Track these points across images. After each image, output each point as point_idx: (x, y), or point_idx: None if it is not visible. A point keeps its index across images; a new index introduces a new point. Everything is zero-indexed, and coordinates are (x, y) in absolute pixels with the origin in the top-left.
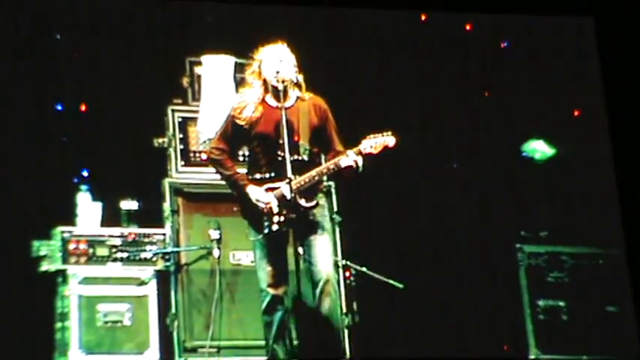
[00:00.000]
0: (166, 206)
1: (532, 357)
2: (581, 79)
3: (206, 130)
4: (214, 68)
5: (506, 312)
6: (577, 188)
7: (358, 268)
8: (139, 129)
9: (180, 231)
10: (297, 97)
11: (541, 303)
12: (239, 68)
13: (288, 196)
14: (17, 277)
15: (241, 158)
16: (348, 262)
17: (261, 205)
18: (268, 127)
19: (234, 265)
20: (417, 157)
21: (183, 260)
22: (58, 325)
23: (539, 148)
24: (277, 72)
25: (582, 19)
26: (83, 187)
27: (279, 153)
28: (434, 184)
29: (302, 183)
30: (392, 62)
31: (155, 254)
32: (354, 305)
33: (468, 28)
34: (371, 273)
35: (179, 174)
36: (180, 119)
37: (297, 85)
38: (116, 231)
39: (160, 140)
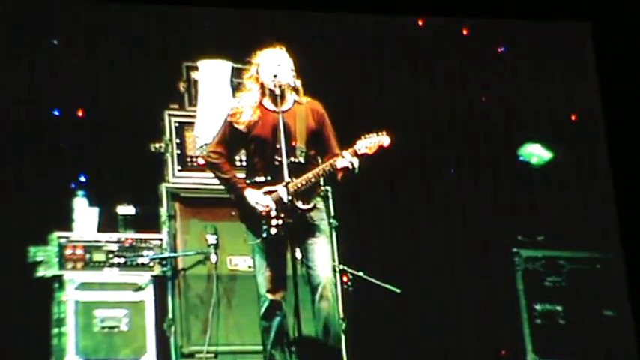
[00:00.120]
0: (163, 211)
1: None
2: (579, 84)
3: (203, 135)
4: (211, 73)
5: (504, 316)
6: (574, 192)
7: (355, 272)
8: (135, 134)
9: (177, 236)
10: (295, 101)
11: (538, 307)
12: (236, 73)
13: (285, 199)
14: (14, 283)
15: (238, 163)
16: (345, 267)
17: (259, 209)
18: (265, 131)
19: (231, 270)
20: (414, 162)
21: (180, 265)
22: (55, 330)
23: (535, 153)
24: (275, 76)
25: (579, 24)
26: (80, 192)
27: (276, 157)
28: (431, 188)
29: (299, 185)
30: (389, 67)
31: (152, 259)
32: (352, 310)
33: (464, 32)
34: (368, 278)
35: (176, 179)
36: (177, 124)
37: (295, 89)
38: (113, 236)
39: (157, 145)
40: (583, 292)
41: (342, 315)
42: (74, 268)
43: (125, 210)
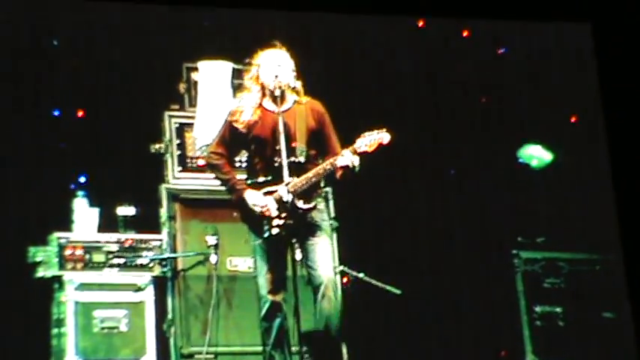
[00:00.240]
0: (163, 212)
1: None
2: (578, 85)
3: (203, 136)
4: (211, 74)
5: (503, 318)
6: (574, 194)
7: (355, 274)
8: (135, 135)
9: (177, 237)
10: (295, 101)
11: (538, 309)
12: (236, 74)
13: (286, 199)
14: (13, 283)
15: (238, 164)
16: (346, 269)
17: (260, 209)
18: (266, 131)
19: (231, 271)
20: (414, 163)
21: (180, 266)
22: (55, 331)
23: (535, 154)
24: (275, 76)
25: (579, 25)
26: (80, 192)
27: (276, 158)
28: (431, 190)
29: (299, 185)
30: (389, 69)
31: (152, 260)
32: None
33: (465, 34)
34: (368, 279)
35: (176, 180)
36: (177, 125)
37: (295, 90)
38: (113, 237)
39: (157, 146)
40: (583, 293)
41: (343, 315)
42: (74, 268)
43: (125, 211)
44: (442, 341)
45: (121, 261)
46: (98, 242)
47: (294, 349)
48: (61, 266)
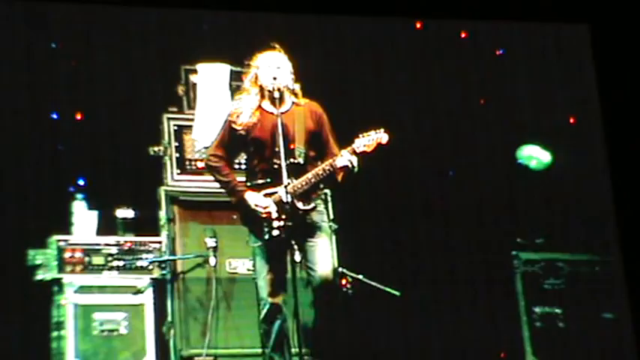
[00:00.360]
0: (162, 214)
1: None
2: (577, 87)
3: (202, 138)
4: (210, 76)
5: (503, 319)
6: (573, 195)
7: (355, 275)
8: (134, 137)
9: (176, 239)
10: (293, 103)
11: (537, 310)
12: (235, 76)
13: (286, 200)
14: (13, 286)
15: (237, 166)
16: (345, 270)
17: (260, 211)
18: (264, 133)
19: (230, 273)
20: (413, 164)
21: (179, 268)
22: (54, 334)
23: (535, 155)
24: (274, 78)
25: (577, 26)
26: (79, 195)
27: (274, 161)
28: (430, 191)
29: (299, 186)
30: (387, 71)
31: (151, 263)
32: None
33: (463, 35)
34: (367, 281)
35: (175, 182)
36: (175, 127)
37: (293, 92)
38: (112, 239)
39: (156, 148)
40: (582, 294)
41: (342, 315)
42: (73, 271)
43: (124, 213)
44: (442, 342)
45: (121, 263)
46: (97, 245)
47: (293, 351)
48: (61, 269)
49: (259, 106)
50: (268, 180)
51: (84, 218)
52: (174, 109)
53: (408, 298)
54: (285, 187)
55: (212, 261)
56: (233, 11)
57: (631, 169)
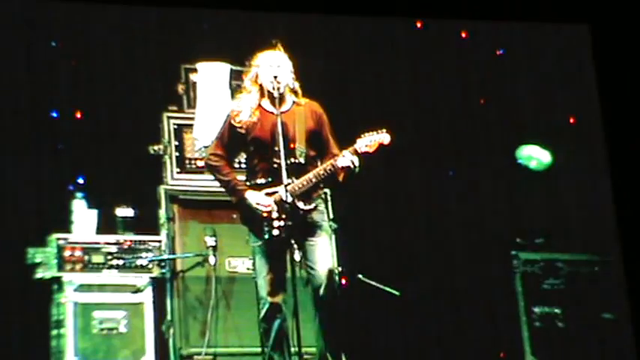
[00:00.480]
0: (162, 213)
1: None
2: (577, 87)
3: (202, 137)
4: (210, 75)
5: (502, 319)
6: (573, 195)
7: (354, 275)
8: (134, 136)
9: (176, 238)
10: (293, 102)
11: (537, 310)
12: (235, 75)
13: (288, 200)
14: (12, 285)
15: (237, 165)
16: (344, 270)
17: (261, 210)
18: (265, 132)
19: (229, 272)
20: (413, 164)
21: (179, 267)
22: (54, 332)
23: (534, 155)
24: (274, 77)
25: (577, 26)
26: (78, 194)
27: (274, 159)
28: (430, 191)
29: (300, 186)
30: (388, 70)
31: (151, 261)
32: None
33: (463, 35)
34: (367, 280)
35: (174, 181)
36: (175, 126)
37: (294, 91)
38: (112, 238)
39: (156, 147)
40: (582, 294)
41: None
42: (73, 269)
43: (124, 212)
44: (441, 342)
45: (120, 262)
46: (97, 243)
47: (293, 350)
48: (60, 267)
49: (259, 105)
50: (269, 179)
51: (84, 217)
52: (174, 108)
53: (407, 297)
54: (286, 186)
55: (212, 260)
56: (233, 10)
57: (631, 170)
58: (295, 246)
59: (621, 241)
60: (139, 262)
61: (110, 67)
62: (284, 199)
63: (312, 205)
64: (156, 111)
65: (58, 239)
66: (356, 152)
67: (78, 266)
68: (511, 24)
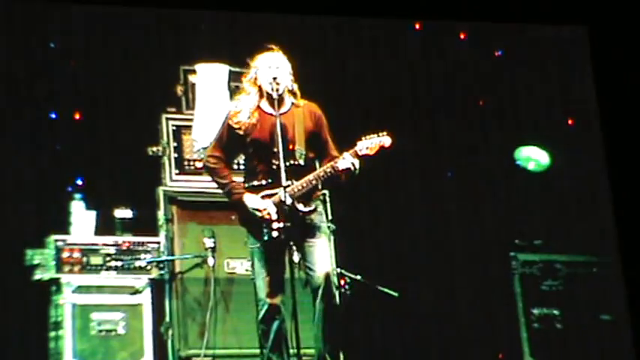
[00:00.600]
0: (160, 215)
1: None
2: (575, 88)
3: (201, 138)
4: (208, 77)
5: (501, 320)
6: (571, 196)
7: (353, 276)
8: (133, 137)
9: (175, 239)
10: (292, 104)
11: (535, 311)
12: (233, 77)
13: (288, 202)
14: (11, 286)
15: (235, 167)
16: (343, 271)
17: (260, 212)
18: (264, 134)
19: (228, 273)
20: (412, 165)
21: (177, 269)
22: (52, 334)
23: (533, 157)
24: (273, 79)
25: (576, 28)
26: (77, 195)
27: (273, 161)
28: (428, 192)
29: (299, 188)
30: (386, 71)
31: (149, 263)
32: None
33: (462, 36)
34: (366, 281)
35: (173, 182)
36: (174, 127)
37: (292, 92)
38: (110, 239)
39: (154, 149)
40: (580, 296)
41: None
42: (71, 271)
43: (122, 213)
44: (440, 344)
45: (119, 264)
46: (95, 245)
47: (292, 351)
48: (59, 269)
49: (258, 107)
50: (268, 181)
51: (82, 218)
52: (173, 110)
53: (406, 299)
54: (285, 188)
55: (210, 261)
56: (232, 12)
57: (629, 171)
58: (294, 247)
59: (619, 242)
60: (137, 263)
61: (109, 69)
62: (284, 201)
63: (312, 207)
64: (155, 112)
65: (57, 240)
66: (356, 154)
67: (76, 268)
68: (510, 25)
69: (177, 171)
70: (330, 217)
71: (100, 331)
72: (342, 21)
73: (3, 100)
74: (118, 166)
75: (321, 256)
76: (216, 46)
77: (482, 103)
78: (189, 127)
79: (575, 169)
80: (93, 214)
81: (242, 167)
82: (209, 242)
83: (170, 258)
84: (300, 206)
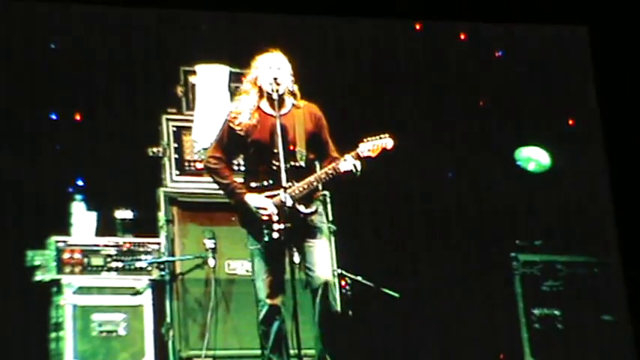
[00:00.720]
0: (161, 215)
1: None
2: (576, 88)
3: (201, 139)
4: (209, 77)
5: (502, 321)
6: (572, 197)
7: (353, 277)
8: (133, 138)
9: (175, 240)
10: (293, 105)
11: (536, 312)
12: (233, 77)
13: (289, 203)
14: (12, 287)
15: (236, 167)
16: (344, 272)
17: (261, 213)
18: (264, 135)
19: (229, 274)
20: (413, 166)
21: (178, 269)
22: (53, 335)
23: (533, 157)
24: (274, 79)
25: (577, 28)
26: (78, 196)
27: (273, 162)
28: (429, 193)
29: (300, 190)
30: (387, 72)
31: (150, 264)
32: (350, 314)
33: (462, 37)
34: (366, 282)
35: (174, 183)
36: (174, 128)
37: (293, 93)
38: (111, 240)
39: (155, 149)
40: (581, 296)
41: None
42: (72, 272)
43: (123, 214)
44: (441, 344)
45: (120, 264)
46: (96, 246)
47: (292, 352)
48: (59, 270)
49: (258, 108)
50: (269, 182)
51: (83, 219)
52: (174, 110)
53: (407, 299)
54: (286, 189)
55: (211, 262)
56: (232, 12)
57: (630, 171)
58: (294, 248)
59: (620, 242)
60: (138, 264)
61: (109, 69)
62: (285, 202)
63: (313, 209)
64: (155, 113)
65: (57, 242)
66: (358, 156)
67: (77, 269)
68: (510, 26)
69: (177, 172)
70: (330, 218)
71: (101, 332)
72: (342, 21)
73: (3, 100)
74: (118, 167)
75: (322, 257)
76: (217, 47)
77: (482, 104)
78: (190, 127)
79: (576, 170)
80: (93, 215)
81: (242, 168)
82: (209, 243)
83: (171, 259)
84: (301, 208)
